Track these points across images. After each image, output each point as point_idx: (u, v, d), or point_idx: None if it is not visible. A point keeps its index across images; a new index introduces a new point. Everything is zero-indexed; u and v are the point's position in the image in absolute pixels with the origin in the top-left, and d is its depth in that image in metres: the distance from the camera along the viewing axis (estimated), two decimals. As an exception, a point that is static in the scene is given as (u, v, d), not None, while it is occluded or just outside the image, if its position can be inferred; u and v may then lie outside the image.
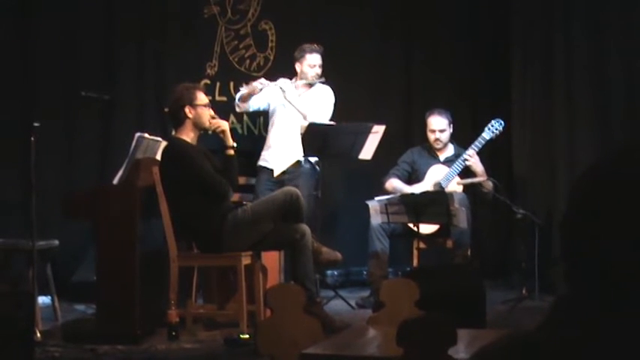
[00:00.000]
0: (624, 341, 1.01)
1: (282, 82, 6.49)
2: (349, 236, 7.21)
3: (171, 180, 5.23)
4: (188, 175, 5.21)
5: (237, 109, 6.73)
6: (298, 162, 6.50)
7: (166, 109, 5.52)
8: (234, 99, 7.01)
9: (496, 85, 7.67)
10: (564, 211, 1.09)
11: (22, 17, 6.82)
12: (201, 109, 5.35)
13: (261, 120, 7.17)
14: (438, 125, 6.72)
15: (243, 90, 6.54)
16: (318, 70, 6.50)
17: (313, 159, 6.47)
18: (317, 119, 6.32)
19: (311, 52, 6.49)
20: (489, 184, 6.59)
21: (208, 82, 7.23)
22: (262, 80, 6.48)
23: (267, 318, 4.60)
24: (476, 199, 6.77)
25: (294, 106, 6.42)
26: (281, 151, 6.53)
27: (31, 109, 6.61)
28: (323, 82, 6.54)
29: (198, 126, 5.36)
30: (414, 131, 7.56)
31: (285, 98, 6.44)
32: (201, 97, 5.38)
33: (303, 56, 6.52)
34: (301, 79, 6.52)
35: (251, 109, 6.69)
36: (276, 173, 6.54)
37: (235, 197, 5.54)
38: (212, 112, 5.46)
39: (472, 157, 6.54)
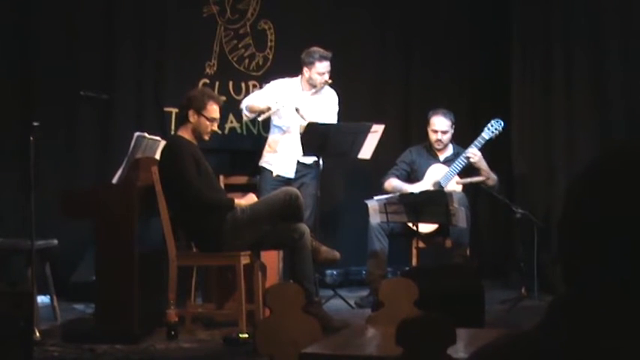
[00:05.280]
0: (623, 341, 1.01)
1: (295, 99, 6.33)
2: (348, 236, 7.21)
3: (169, 178, 5.23)
4: (177, 173, 5.21)
5: (245, 118, 6.69)
6: (306, 164, 6.44)
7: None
8: (234, 99, 7.02)
9: (496, 85, 7.67)
10: (562, 210, 1.09)
11: (21, 17, 6.81)
12: (204, 120, 5.33)
13: (259, 119, 7.15)
14: (441, 126, 6.71)
15: (253, 102, 6.41)
16: (327, 77, 6.39)
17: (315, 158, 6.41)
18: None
19: (320, 59, 6.34)
20: (494, 178, 6.59)
21: (207, 81, 7.22)
22: (278, 100, 6.29)
23: (266, 317, 4.60)
24: (476, 198, 6.77)
25: (306, 120, 6.31)
26: (289, 159, 6.47)
27: (30, 108, 6.61)
28: (329, 85, 6.47)
29: (195, 133, 5.36)
30: (414, 131, 7.56)
31: (299, 114, 6.33)
32: (211, 110, 5.34)
33: (312, 63, 6.35)
34: (309, 84, 6.44)
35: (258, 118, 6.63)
36: (286, 177, 6.48)
37: (237, 197, 5.51)
38: (215, 128, 5.43)
39: (476, 155, 6.53)
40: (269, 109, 6.29)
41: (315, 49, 6.40)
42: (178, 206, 5.27)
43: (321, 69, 6.36)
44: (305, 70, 6.41)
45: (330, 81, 6.40)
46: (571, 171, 6.79)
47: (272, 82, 6.59)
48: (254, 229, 5.28)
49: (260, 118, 6.49)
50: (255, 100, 6.45)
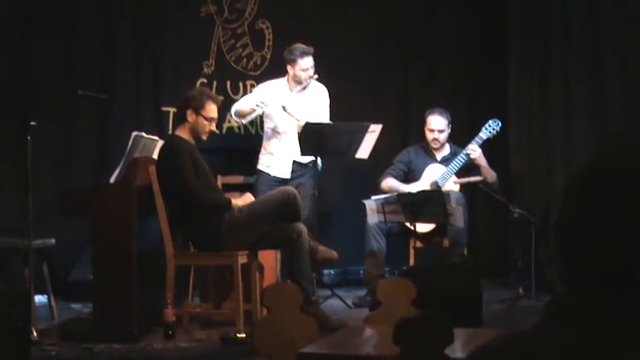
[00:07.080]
0: (622, 341, 1.01)
1: (282, 99, 6.30)
2: (346, 235, 7.20)
3: (167, 178, 5.23)
4: (175, 172, 5.21)
5: (235, 123, 6.67)
6: (302, 163, 6.44)
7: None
8: (232, 99, 7.01)
9: (493, 85, 7.67)
10: (559, 211, 1.09)
11: (20, 17, 6.81)
12: (202, 120, 5.32)
13: (257, 119, 7.16)
14: (438, 125, 6.71)
15: (240, 107, 6.40)
16: (311, 72, 6.35)
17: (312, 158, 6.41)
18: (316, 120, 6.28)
19: (302, 55, 6.28)
20: (493, 175, 6.59)
21: (205, 81, 7.22)
22: (263, 101, 6.27)
23: (264, 317, 4.61)
24: (474, 198, 6.77)
25: (295, 118, 6.30)
26: (285, 159, 6.47)
27: (28, 107, 6.60)
28: (317, 80, 6.46)
29: (193, 133, 5.35)
30: (411, 131, 7.56)
31: (287, 112, 6.33)
32: (209, 109, 5.33)
33: (294, 60, 6.30)
34: (294, 81, 6.42)
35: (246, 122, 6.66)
36: (282, 178, 6.48)
37: (234, 197, 5.51)
38: (213, 128, 5.43)
39: (475, 151, 6.54)
40: (253, 110, 6.29)
41: (296, 45, 6.36)
42: (176, 206, 5.27)
43: (304, 65, 6.32)
44: (289, 67, 6.38)
45: (315, 76, 6.37)
46: (569, 170, 6.80)
47: (259, 86, 6.59)
48: (252, 229, 5.28)
49: (245, 121, 6.51)
50: (242, 105, 6.44)
